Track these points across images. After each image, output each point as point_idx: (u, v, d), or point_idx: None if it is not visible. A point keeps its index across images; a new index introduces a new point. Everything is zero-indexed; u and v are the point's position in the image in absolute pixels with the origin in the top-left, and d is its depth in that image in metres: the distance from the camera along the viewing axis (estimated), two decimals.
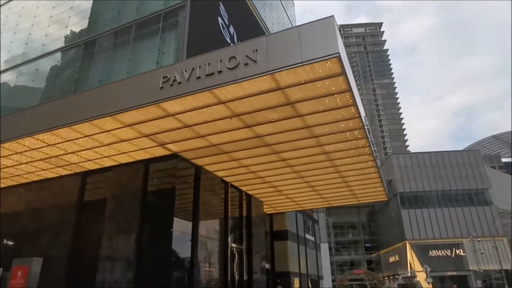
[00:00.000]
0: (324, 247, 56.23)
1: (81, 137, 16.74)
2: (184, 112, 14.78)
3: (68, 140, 17.19)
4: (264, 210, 32.17)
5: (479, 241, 49.39)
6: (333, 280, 62.06)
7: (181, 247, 19.23)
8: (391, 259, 68.99)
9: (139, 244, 18.83)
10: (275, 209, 32.90)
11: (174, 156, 19.52)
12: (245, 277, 24.60)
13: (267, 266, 30.93)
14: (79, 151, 18.53)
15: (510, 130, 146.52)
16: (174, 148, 18.74)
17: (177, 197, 20.02)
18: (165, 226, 18.56)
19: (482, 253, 50.61)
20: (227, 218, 23.99)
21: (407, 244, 60.37)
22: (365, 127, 16.40)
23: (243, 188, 26.52)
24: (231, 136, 17.06)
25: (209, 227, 21.71)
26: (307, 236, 39.37)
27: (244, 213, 26.85)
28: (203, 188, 21.49)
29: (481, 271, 48.47)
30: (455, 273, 58.15)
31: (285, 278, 31.16)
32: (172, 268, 18.45)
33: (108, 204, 20.57)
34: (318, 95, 13.49)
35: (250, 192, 27.42)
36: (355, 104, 14.07)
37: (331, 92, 13.29)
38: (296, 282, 33.88)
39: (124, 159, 20.19)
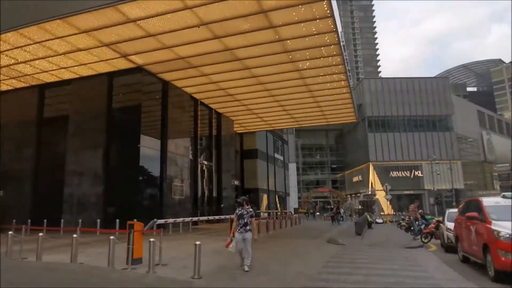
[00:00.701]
0: (292, 167, 58.72)
1: (30, 44, 15.12)
2: (146, 18, 13.40)
3: (17, 47, 15.52)
4: (235, 129, 32.22)
5: (437, 163, 53.05)
6: (299, 197, 66.20)
7: (150, 163, 19.17)
8: (355, 179, 73.69)
9: (106, 160, 18.58)
10: (245, 128, 33.04)
11: (139, 69, 18.34)
12: (214, 193, 25.46)
13: (236, 183, 32.05)
14: (31, 60, 16.93)
15: (479, 60, 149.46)
16: (139, 60, 17.50)
17: (144, 114, 19.35)
18: (132, 142, 18.24)
19: (439, 174, 54.80)
20: (197, 136, 23.86)
21: (371, 165, 64.05)
22: (341, 43, 15.73)
23: (213, 106, 26.01)
24: (200, 48, 15.95)
25: (179, 145, 21.59)
26: (276, 155, 40.55)
27: (214, 131, 26.77)
28: (171, 105, 20.82)
29: (435, 190, 52.93)
30: (411, 192, 63.33)
31: (254, 194, 32.58)
32: (142, 183, 18.62)
33: (71, 120, 19.73)
34: (293, 3, 12.44)
35: (220, 111, 27.01)
36: (332, 16, 13.19)
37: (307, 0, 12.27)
38: (264, 198, 35.73)
39: (85, 71, 18.81)
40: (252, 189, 32.96)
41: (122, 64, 17.84)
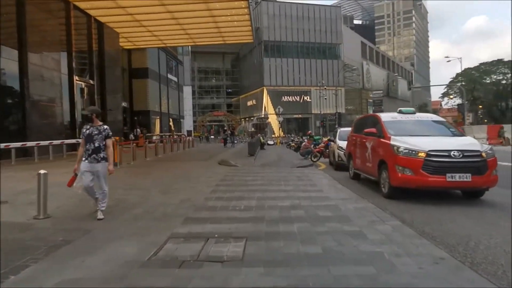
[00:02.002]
0: (188, 90, 56.31)
1: None
2: None
3: None
4: (121, 44, 28.18)
5: (325, 89, 56.91)
6: (194, 121, 65.26)
7: (8, 78, 15.47)
8: (249, 103, 75.36)
9: None
10: (134, 44, 29.16)
11: None
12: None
13: (124, 104, 29.08)
14: None
15: None
16: None
17: None
18: None
19: (326, 98, 59.29)
20: (72, 48, 19.86)
21: (265, 90, 65.73)
22: None
23: (92, 13, 21.68)
24: None
25: (46, 57, 17.70)
26: (170, 76, 37.75)
27: (95, 45, 22.77)
28: (32, 6, 16.44)
29: (321, 113, 57.50)
30: (300, 115, 68.04)
31: (145, 117, 30.25)
32: None
33: None
34: None
35: (102, 20, 22.77)
36: None
37: None
38: (157, 121, 33.63)
39: None
40: (143, 112, 30.46)
41: None
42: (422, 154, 6.21)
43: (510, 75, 78.62)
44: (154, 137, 27.82)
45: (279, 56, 67.13)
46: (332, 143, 13.38)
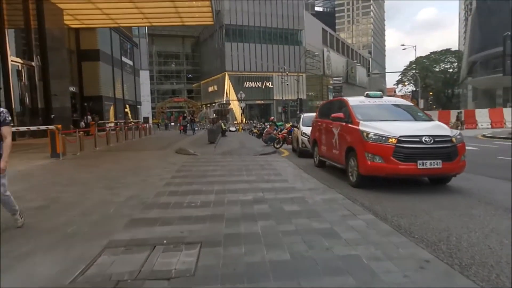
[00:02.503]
0: (145, 74, 53.76)
1: None
2: None
3: None
4: (67, 22, 25.83)
5: (286, 74, 56.66)
6: (153, 108, 62.74)
7: None
8: (210, 89, 73.63)
9: None
10: (82, 22, 26.84)
11: None
12: (40, 102, 20.31)
13: (73, 89, 26.89)
14: None
15: None
16: None
17: None
18: None
19: (287, 84, 59.15)
20: (3, 24, 17.64)
21: (226, 75, 64.38)
22: None
23: None
24: None
25: None
26: (125, 59, 35.53)
27: (34, 22, 20.52)
28: None
29: (283, 99, 57.29)
30: (262, 101, 67.57)
31: (96, 103, 28.23)
32: None
33: None
34: None
35: None
36: None
37: None
38: (112, 108, 31.62)
39: None
40: (94, 97, 28.36)
41: None
42: (393, 140, 5.79)
43: (456, 64, 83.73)
44: (108, 125, 26.07)
45: (241, 41, 65.89)
46: (295, 129, 12.90)
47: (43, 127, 11.83)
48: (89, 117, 24.08)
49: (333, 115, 7.29)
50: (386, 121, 6.49)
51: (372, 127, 6.16)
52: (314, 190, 5.73)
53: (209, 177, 7.03)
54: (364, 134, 6.12)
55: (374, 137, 5.97)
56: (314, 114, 13.32)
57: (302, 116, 12.57)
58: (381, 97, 7.64)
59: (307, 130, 10.59)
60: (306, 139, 10.82)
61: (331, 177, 7.51)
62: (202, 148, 12.97)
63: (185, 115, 25.73)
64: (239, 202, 4.98)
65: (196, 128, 30.01)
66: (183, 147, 12.54)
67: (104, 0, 22.01)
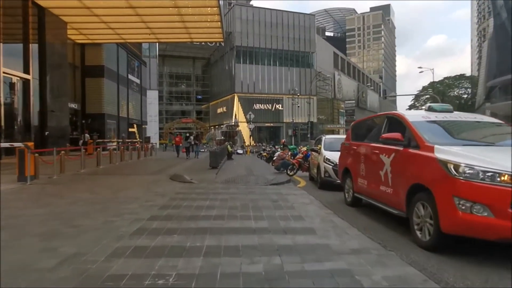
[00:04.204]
0: (154, 94, 52.84)
1: None
2: None
3: None
4: (72, 36, 24.72)
5: (297, 96, 55.07)
6: (161, 128, 61.44)
7: None
8: (219, 110, 72.34)
9: None
10: (87, 38, 25.76)
11: None
12: (33, 118, 18.63)
13: (74, 106, 25.48)
14: None
15: (338, 7, 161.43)
16: None
17: None
18: None
19: (298, 106, 57.48)
20: None
21: (236, 97, 63.09)
22: None
23: None
24: None
25: None
26: (131, 77, 34.33)
27: (34, 33, 19.27)
28: None
29: (293, 122, 55.48)
30: (271, 124, 65.87)
31: (98, 121, 26.72)
32: None
33: None
34: None
35: (42, 4, 19.41)
36: None
37: None
38: (115, 126, 30.06)
39: None
40: (97, 115, 26.92)
41: None
42: (507, 179, 3.50)
43: (470, 89, 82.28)
44: (109, 144, 24.38)
45: (252, 62, 65.06)
46: (313, 153, 10.84)
47: (17, 144, 10.03)
48: (87, 135, 22.44)
49: (385, 135, 5.11)
50: (477, 145, 4.36)
51: (461, 155, 3.92)
52: (363, 253, 3.63)
53: (201, 220, 5.00)
54: (450, 166, 3.84)
55: (469, 171, 3.68)
56: (335, 136, 11.39)
57: (323, 138, 10.41)
58: (452, 111, 5.42)
59: (332, 156, 8.60)
60: (331, 167, 8.77)
61: (377, 226, 5.32)
62: (201, 175, 10.99)
63: (187, 135, 23.76)
64: (241, 277, 2.95)
65: (202, 150, 28.13)
66: (179, 173, 10.57)
67: (109, 13, 20.83)
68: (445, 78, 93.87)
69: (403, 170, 4.72)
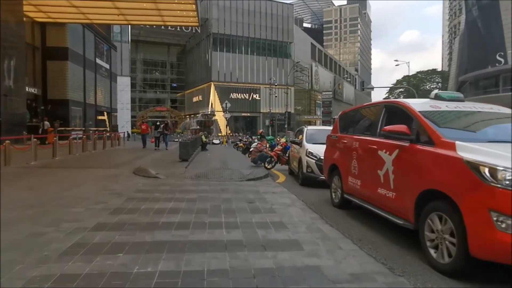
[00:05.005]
0: (126, 81, 50.53)
1: None
2: None
3: None
4: (30, 15, 22.68)
5: (275, 86, 54.10)
6: (134, 116, 59.15)
7: None
8: (195, 99, 70.44)
9: None
10: (48, 16, 23.66)
11: None
12: None
13: (33, 91, 23.46)
14: None
15: None
16: None
17: None
18: None
19: (276, 96, 56.56)
20: None
21: (212, 85, 61.46)
22: None
23: None
24: None
25: None
26: (100, 61, 32.25)
27: None
28: None
29: (270, 112, 54.62)
30: (248, 114, 64.80)
31: (62, 108, 24.78)
32: None
33: None
34: None
35: None
36: None
37: None
38: (80, 114, 28.09)
39: None
40: (60, 101, 24.93)
41: None
42: None
43: (441, 84, 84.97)
44: (74, 133, 22.64)
45: (229, 51, 63.50)
46: (294, 146, 9.95)
47: None
48: (46, 122, 20.63)
49: (387, 128, 4.13)
50: (506, 142, 3.40)
51: (495, 156, 2.98)
52: (366, 281, 2.72)
53: (159, 231, 4.00)
54: (484, 170, 2.89)
55: (510, 177, 2.75)
56: (317, 127, 10.58)
57: (305, 129, 9.47)
58: (463, 100, 4.46)
59: (315, 149, 7.75)
60: (314, 161, 7.91)
61: (375, 236, 4.37)
62: (169, 168, 9.90)
63: (158, 124, 22.26)
64: None
65: (176, 140, 26.78)
66: (144, 166, 9.44)
67: None
68: (418, 72, 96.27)
69: (411, 171, 3.81)
